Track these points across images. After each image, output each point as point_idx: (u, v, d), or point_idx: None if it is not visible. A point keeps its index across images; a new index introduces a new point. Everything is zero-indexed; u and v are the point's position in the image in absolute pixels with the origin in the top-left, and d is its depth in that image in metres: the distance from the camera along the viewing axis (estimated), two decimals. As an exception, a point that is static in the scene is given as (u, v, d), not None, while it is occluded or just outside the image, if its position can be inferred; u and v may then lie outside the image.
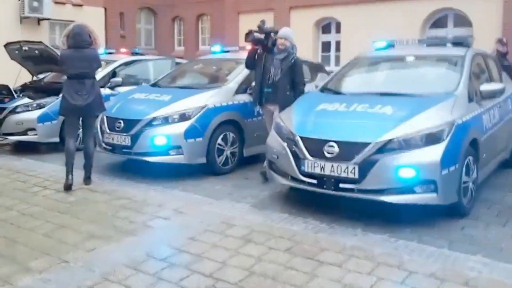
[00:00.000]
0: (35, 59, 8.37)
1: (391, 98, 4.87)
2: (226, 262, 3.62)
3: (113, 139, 6.08)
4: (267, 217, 4.60)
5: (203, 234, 4.17)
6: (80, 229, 4.35)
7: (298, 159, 4.51)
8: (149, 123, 5.90)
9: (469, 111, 4.74)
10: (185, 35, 22.74)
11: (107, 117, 6.24)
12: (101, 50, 9.69)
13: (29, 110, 7.59)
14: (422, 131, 4.29)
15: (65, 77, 8.73)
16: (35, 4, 15.52)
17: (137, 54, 9.41)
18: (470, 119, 4.68)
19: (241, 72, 6.67)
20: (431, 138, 4.28)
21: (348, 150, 4.26)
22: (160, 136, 5.81)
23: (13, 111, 7.61)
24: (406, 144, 4.26)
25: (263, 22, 5.97)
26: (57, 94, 7.78)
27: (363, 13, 15.07)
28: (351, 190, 4.28)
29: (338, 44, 15.96)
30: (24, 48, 7.95)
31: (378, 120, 4.47)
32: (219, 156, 6.16)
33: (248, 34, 5.92)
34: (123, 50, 9.46)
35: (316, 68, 8.34)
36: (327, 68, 9.74)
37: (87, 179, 5.78)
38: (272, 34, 5.88)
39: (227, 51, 7.93)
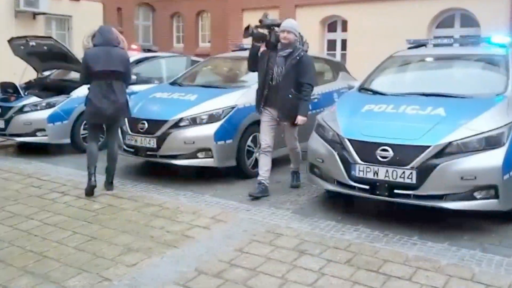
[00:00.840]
0: (42, 56, 7.93)
1: (440, 100, 4.62)
2: (286, 277, 3.31)
3: (136, 141, 5.71)
4: (314, 225, 4.29)
5: (250, 245, 3.85)
6: (114, 241, 4.01)
7: (347, 164, 4.21)
8: (176, 124, 5.54)
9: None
10: (184, 32, 22.29)
11: (128, 117, 5.86)
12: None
13: (37, 110, 7.15)
14: (481, 134, 4.04)
15: (74, 75, 8.50)
16: (31, -2, 15.00)
17: (149, 51, 8.99)
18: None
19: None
20: (492, 142, 4.03)
21: (404, 154, 3.98)
22: (188, 138, 5.45)
23: (20, 110, 7.17)
24: (465, 148, 4.00)
25: (265, 15, 5.14)
26: (66, 92, 7.40)
27: (370, 12, 14.80)
28: (407, 196, 4.01)
29: (343, 42, 15.69)
30: (31, 43, 7.51)
31: (433, 122, 4.19)
32: (248, 159, 5.83)
33: (246, 29, 5.16)
34: (134, 46, 9.05)
35: (337, 67, 8.03)
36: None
37: (110, 185, 5.42)
38: (275, 28, 5.07)
39: (247, 49, 7.57)
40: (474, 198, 3.96)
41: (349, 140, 4.24)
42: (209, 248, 3.84)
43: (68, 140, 7.28)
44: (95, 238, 4.08)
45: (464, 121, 4.16)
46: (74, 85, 7.62)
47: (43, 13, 15.75)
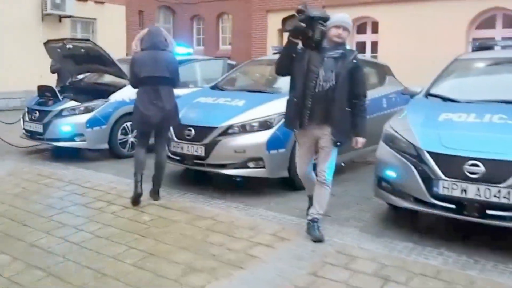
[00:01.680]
0: (77, 59, 7.71)
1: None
2: (375, 308, 2.98)
3: (182, 148, 5.42)
4: (389, 246, 3.94)
5: (324, 269, 3.53)
6: (174, 258, 3.71)
7: (428, 179, 3.84)
8: (225, 132, 5.24)
9: None
10: (204, 34, 22.11)
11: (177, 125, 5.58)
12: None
13: (75, 114, 6.92)
14: None
15: (109, 78, 8.27)
16: (58, 0, 14.87)
17: (182, 55, 8.68)
18: None
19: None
20: None
21: (498, 169, 3.58)
22: (238, 146, 5.15)
23: (59, 114, 6.94)
24: None
25: (304, 5, 3.95)
26: (103, 96, 7.15)
27: (403, 12, 14.42)
28: (503, 218, 3.60)
29: (373, 44, 15.33)
30: (68, 46, 7.29)
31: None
32: (300, 169, 5.50)
33: (290, 19, 3.93)
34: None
35: (384, 70, 7.67)
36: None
37: (156, 194, 5.14)
38: (320, 21, 3.91)
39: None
40: None
41: (429, 152, 3.88)
42: (280, 270, 3.52)
43: (106, 146, 7.04)
44: (152, 254, 3.79)
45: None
46: (111, 88, 7.39)
47: (69, 16, 15.63)
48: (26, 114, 7.33)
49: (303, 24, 3.86)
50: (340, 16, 4.08)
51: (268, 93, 5.88)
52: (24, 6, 14.74)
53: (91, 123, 6.86)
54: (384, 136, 4.45)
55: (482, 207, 3.63)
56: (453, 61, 5.50)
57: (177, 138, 5.48)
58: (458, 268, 3.52)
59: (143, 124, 4.94)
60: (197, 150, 5.28)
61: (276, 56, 7.05)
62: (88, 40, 7.27)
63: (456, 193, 3.68)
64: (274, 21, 17.45)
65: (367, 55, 14.89)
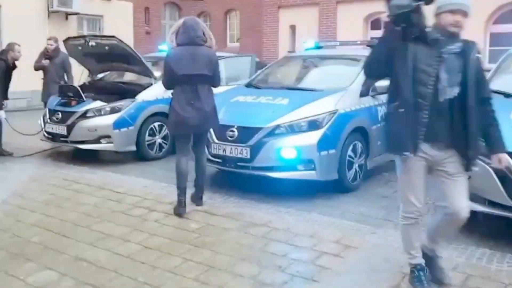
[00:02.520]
0: (99, 57, 7.38)
1: None
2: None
3: (224, 150, 5.11)
4: (466, 253, 3.65)
5: (406, 281, 3.23)
6: (237, 271, 3.41)
7: (508, 181, 3.55)
8: (272, 132, 4.94)
9: None
10: (212, 32, 21.53)
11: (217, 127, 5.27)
12: (164, 47, 8.75)
13: (101, 115, 6.59)
14: None
15: (132, 77, 7.95)
16: (65, -3, 14.53)
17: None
18: None
19: (360, 72, 5.72)
20: None
21: None
22: (288, 148, 4.84)
23: (83, 115, 6.61)
24: None
25: None
26: (128, 95, 6.83)
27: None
28: None
29: (389, 40, 15.02)
30: (90, 43, 6.95)
31: None
32: (348, 170, 5.21)
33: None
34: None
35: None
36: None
37: (199, 200, 4.83)
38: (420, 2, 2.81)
39: (321, 47, 6.98)
40: None
41: (510, 153, 3.57)
42: (358, 284, 3.22)
43: (133, 148, 6.72)
44: (212, 267, 3.49)
45: None
46: (136, 88, 7.07)
47: (76, 13, 15.29)
48: (47, 115, 6.98)
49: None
50: None
51: (311, 90, 5.57)
52: (30, 3, 14.39)
53: (118, 124, 6.53)
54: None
55: None
56: (507, 55, 5.20)
57: (218, 139, 5.17)
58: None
59: (181, 127, 4.52)
60: (242, 152, 4.97)
61: (310, 52, 6.90)
62: (113, 36, 6.92)
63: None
64: (286, 17, 17.14)
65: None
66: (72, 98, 6.81)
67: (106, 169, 6.46)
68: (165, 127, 6.89)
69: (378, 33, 15.34)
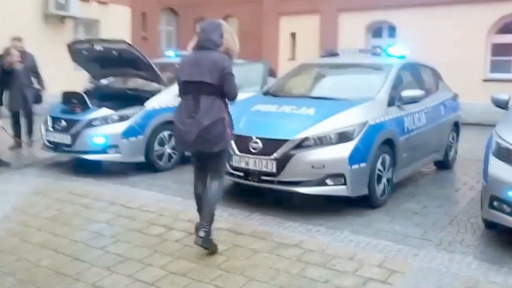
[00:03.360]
0: (104, 62, 6.99)
1: None
2: None
3: (247, 163, 4.75)
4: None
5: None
6: (279, 302, 3.05)
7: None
8: (300, 144, 4.59)
9: None
10: (208, 38, 21.45)
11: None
12: (171, 53, 8.40)
13: (108, 123, 6.19)
14: None
15: (136, 82, 7.57)
16: (61, 0, 14.12)
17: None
18: None
19: (387, 80, 5.43)
20: None
21: None
22: (317, 162, 4.49)
23: (89, 124, 6.21)
24: None
25: None
26: (136, 103, 6.45)
27: (421, 16, 13.98)
28: None
29: (391, 48, 14.81)
30: (97, 47, 6.56)
31: None
32: (378, 184, 4.88)
33: None
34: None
35: (436, 75, 7.10)
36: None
37: (198, 232, 3.73)
38: None
39: (337, 54, 6.67)
40: None
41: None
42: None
43: (142, 158, 6.32)
44: (250, 297, 3.13)
45: None
46: (144, 94, 6.69)
47: (72, 17, 14.87)
48: (49, 123, 6.56)
49: None
50: None
51: (336, 100, 5.23)
52: (25, 6, 13.95)
53: (127, 133, 6.13)
54: (495, 148, 3.85)
55: None
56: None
57: (240, 151, 4.81)
58: None
59: (180, 143, 3.89)
60: (267, 165, 4.61)
61: (330, 60, 6.57)
62: (122, 40, 6.55)
63: None
64: (287, 25, 16.87)
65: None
66: (76, 105, 6.40)
67: (113, 181, 6.06)
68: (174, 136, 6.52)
69: (379, 42, 15.16)
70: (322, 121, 4.70)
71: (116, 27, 16.68)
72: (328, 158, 4.50)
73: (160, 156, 6.52)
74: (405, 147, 5.30)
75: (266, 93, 5.98)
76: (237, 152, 4.82)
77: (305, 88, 6.07)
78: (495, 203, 3.78)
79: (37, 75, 7.86)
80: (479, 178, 6.25)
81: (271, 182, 4.67)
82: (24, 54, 7.70)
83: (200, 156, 3.87)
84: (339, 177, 4.52)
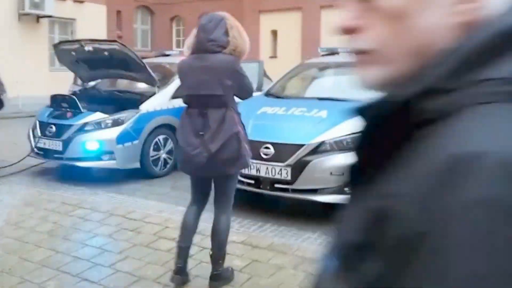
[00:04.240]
0: (94, 63, 6.62)
1: None
2: None
3: (258, 170, 4.51)
4: None
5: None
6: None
7: None
8: (316, 150, 4.37)
9: None
10: (185, 36, 21.05)
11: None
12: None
13: (101, 128, 5.85)
14: None
15: (126, 84, 7.23)
16: None
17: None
18: None
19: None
20: None
21: None
22: (336, 167, 4.28)
23: (81, 129, 5.85)
24: None
25: None
26: (130, 106, 6.13)
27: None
28: None
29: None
30: (87, 48, 6.20)
31: None
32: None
33: None
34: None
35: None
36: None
37: (215, 280, 3.30)
38: None
39: (337, 53, 6.47)
40: None
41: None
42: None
43: (137, 164, 6.00)
44: (283, 320, 2.89)
45: None
46: (136, 97, 6.37)
47: (48, 16, 14.34)
48: (38, 129, 6.17)
49: None
50: None
51: (349, 101, 5.02)
52: (0, 5, 13.37)
53: (122, 138, 5.81)
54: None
55: None
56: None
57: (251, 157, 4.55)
58: None
59: (185, 165, 3.25)
60: (281, 172, 4.38)
61: (329, 58, 6.37)
62: (115, 41, 6.21)
63: None
64: (267, 22, 16.69)
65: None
66: (67, 110, 6.03)
67: (107, 189, 5.71)
68: (169, 140, 6.23)
69: (364, 39, 15.12)
70: (337, 125, 4.49)
71: (92, 25, 16.21)
72: (348, 165, 4.28)
73: (155, 162, 6.21)
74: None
75: (267, 94, 5.74)
76: (247, 158, 4.56)
77: (310, 89, 5.86)
78: None
79: None
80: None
81: (285, 190, 4.45)
82: None
83: (205, 178, 3.30)
84: (358, 184, 4.30)
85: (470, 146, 0.45)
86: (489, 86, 0.49)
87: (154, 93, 6.31)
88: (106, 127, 5.84)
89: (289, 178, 4.36)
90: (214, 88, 3.06)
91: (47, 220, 4.66)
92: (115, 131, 5.79)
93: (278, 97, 5.61)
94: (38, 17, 14.29)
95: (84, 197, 5.40)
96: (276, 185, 4.46)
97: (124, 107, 6.12)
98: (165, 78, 6.53)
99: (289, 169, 4.35)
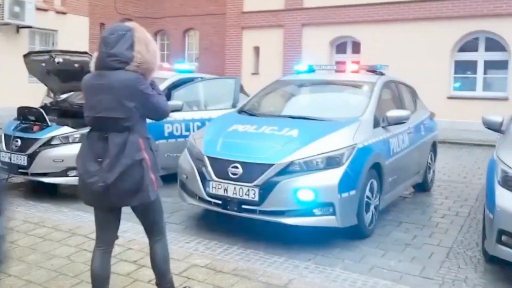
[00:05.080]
0: (65, 75, 6.44)
1: None
2: None
3: (226, 190, 4.35)
4: None
5: None
6: None
7: None
8: (285, 170, 4.23)
9: None
10: (170, 51, 20.97)
11: (209, 157, 4.52)
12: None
13: (69, 143, 5.66)
14: None
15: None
16: (17, 9, 13.38)
17: (184, 72, 7.51)
18: None
19: (371, 100, 5.18)
20: None
21: None
22: (305, 189, 4.14)
23: (48, 143, 5.65)
24: None
25: None
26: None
27: (385, 33, 14.09)
28: None
29: (354, 65, 14.81)
30: (56, 60, 6.02)
31: None
32: (366, 213, 4.57)
33: None
34: (165, 65, 7.67)
35: (414, 93, 6.96)
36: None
37: None
38: None
39: (313, 71, 6.38)
40: None
41: None
42: None
43: (106, 181, 5.78)
44: None
45: None
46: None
47: (28, 27, 14.11)
48: (3, 142, 5.95)
49: None
50: None
51: (321, 120, 4.92)
52: (-23, 14, 13.14)
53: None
54: (504, 179, 3.62)
55: None
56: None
57: (218, 177, 4.40)
58: None
59: (83, 197, 2.89)
60: (248, 193, 4.23)
61: (305, 76, 6.27)
62: (85, 52, 6.05)
63: None
64: (250, 38, 16.64)
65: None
66: (34, 123, 5.83)
67: (73, 206, 5.49)
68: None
69: (342, 57, 15.12)
70: (308, 144, 4.37)
71: (74, 37, 15.99)
72: (319, 186, 4.15)
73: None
74: (391, 171, 5.05)
75: (240, 111, 5.61)
76: (214, 177, 4.41)
77: (283, 107, 5.75)
78: (504, 238, 3.52)
79: None
80: (462, 202, 6.11)
81: (253, 211, 4.28)
82: None
83: (109, 211, 2.93)
84: (327, 207, 4.18)
85: None
86: None
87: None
88: (74, 141, 5.64)
89: (256, 199, 4.20)
90: (115, 110, 2.69)
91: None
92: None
93: (251, 114, 5.48)
94: (18, 27, 14.05)
95: (47, 214, 5.20)
96: (244, 206, 4.29)
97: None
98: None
99: (257, 190, 4.20)
